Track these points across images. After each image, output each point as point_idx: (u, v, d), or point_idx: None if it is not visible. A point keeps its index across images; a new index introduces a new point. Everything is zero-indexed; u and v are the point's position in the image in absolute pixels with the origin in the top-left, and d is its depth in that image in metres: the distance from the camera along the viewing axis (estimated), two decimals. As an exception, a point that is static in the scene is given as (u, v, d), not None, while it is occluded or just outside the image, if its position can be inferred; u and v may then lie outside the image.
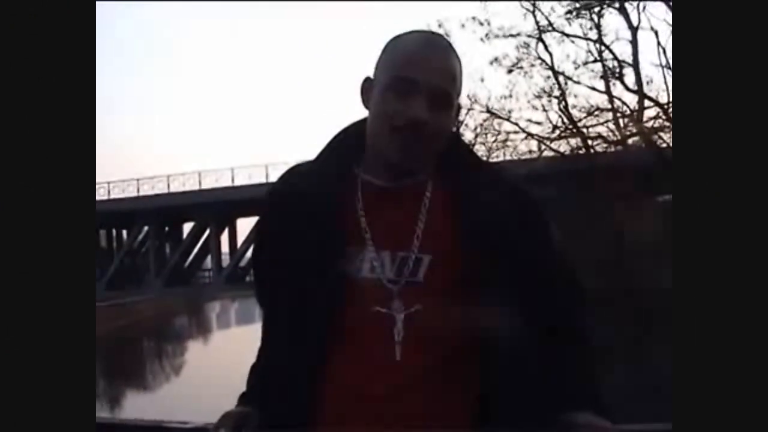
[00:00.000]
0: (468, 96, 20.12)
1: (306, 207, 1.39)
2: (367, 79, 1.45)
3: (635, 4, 18.90)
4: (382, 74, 1.41)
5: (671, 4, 16.32)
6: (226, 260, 39.68)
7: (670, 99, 17.09)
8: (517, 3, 19.68)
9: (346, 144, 1.46)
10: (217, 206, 35.06)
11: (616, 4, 19.30)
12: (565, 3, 19.43)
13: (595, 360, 1.43)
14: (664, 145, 17.25)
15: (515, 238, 1.36)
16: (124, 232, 41.11)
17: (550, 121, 19.96)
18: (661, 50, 17.65)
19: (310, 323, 1.35)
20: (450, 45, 1.43)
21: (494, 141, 20.42)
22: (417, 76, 1.35)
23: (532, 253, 1.38)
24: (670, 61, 16.84)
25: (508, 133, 20.39)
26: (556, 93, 19.79)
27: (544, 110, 19.94)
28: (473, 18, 19.94)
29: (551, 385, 1.35)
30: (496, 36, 19.92)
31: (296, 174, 1.47)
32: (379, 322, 1.33)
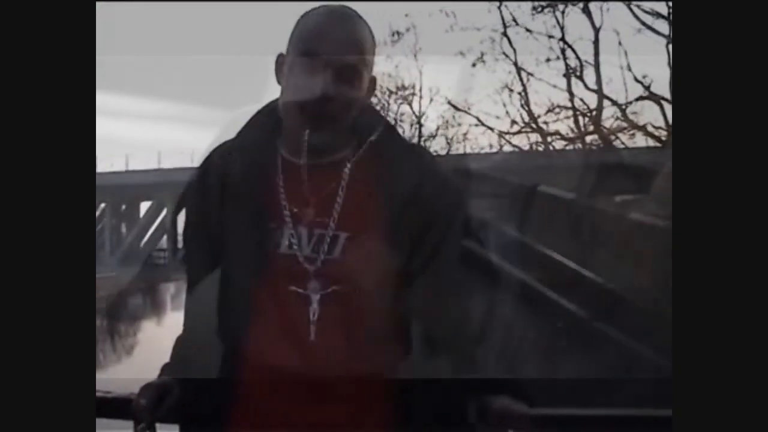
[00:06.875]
0: (430, 88, 20.26)
1: (229, 184, 1.40)
2: (280, 55, 1.45)
3: (599, 4, 19.13)
4: (291, 51, 1.41)
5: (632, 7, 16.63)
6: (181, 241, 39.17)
7: (628, 100, 17.43)
8: (484, -3, 19.74)
9: (268, 121, 1.45)
10: (176, 186, 34.64)
11: (580, 4, 19.50)
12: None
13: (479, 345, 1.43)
14: (622, 145, 17.56)
15: (428, 222, 1.38)
16: (79, 209, 40.37)
17: (509, 117, 20.15)
18: (622, 51, 17.92)
19: (231, 299, 1.38)
20: (356, 16, 1.41)
21: (455, 134, 20.60)
22: (322, 51, 1.35)
23: (438, 239, 1.39)
24: (630, 63, 17.14)
25: (469, 126, 20.58)
26: (518, 89, 19.97)
27: (504, 105, 20.12)
28: (440, 10, 20.02)
29: (463, 369, 1.36)
30: (462, 29, 20.02)
31: (220, 151, 1.47)
32: (295, 301, 1.35)
